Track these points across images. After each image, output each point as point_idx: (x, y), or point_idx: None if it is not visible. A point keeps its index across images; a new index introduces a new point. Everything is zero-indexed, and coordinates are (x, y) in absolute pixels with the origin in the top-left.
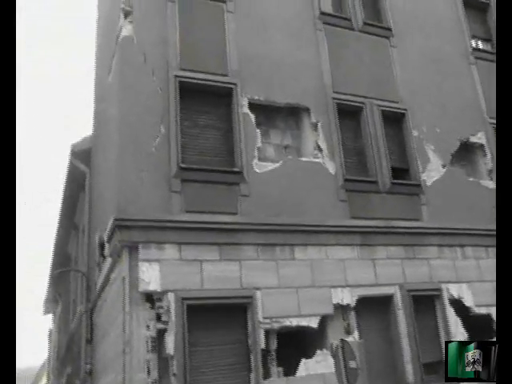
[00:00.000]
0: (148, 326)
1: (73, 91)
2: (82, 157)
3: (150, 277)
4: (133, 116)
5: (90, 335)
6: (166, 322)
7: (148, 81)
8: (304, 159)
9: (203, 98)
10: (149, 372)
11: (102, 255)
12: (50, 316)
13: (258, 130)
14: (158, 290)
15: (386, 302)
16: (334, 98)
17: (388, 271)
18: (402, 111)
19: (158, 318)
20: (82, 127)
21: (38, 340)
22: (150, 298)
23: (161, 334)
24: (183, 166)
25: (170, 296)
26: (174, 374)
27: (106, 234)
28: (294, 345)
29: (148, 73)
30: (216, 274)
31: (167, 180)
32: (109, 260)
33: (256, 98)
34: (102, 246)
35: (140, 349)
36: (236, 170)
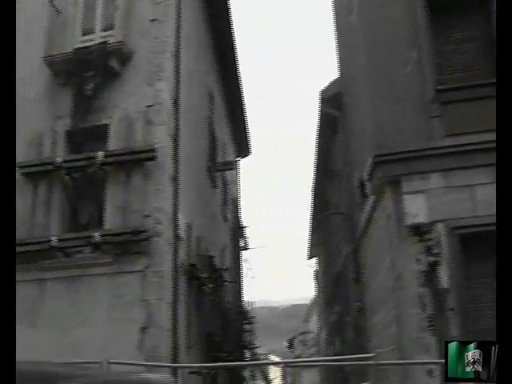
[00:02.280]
0: (418, 260)
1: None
2: (333, 101)
3: (416, 209)
4: (380, 49)
5: (357, 274)
6: (437, 255)
7: (392, 8)
8: None
9: (453, 11)
10: (422, 307)
11: (363, 195)
12: (314, 259)
13: None
14: (426, 222)
15: None
16: None
17: None
18: None
19: (428, 250)
20: (329, 72)
21: (306, 281)
22: (418, 231)
23: (432, 267)
24: (440, 87)
25: (440, 227)
26: (452, 309)
27: (365, 172)
28: None
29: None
30: (490, 198)
31: (424, 106)
32: (370, 198)
33: None
34: (362, 186)
35: (411, 284)
36: None
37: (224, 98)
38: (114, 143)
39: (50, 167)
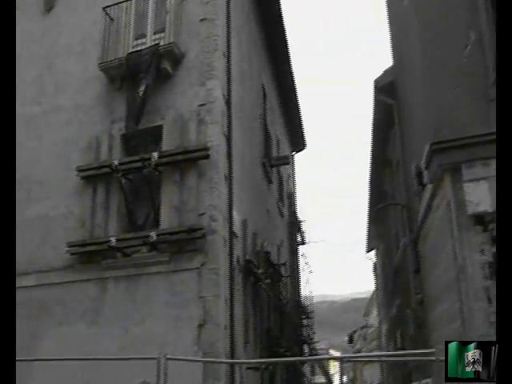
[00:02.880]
0: (482, 251)
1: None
2: (387, 90)
3: (479, 197)
4: (435, 33)
5: (417, 265)
6: None
7: None
8: None
9: None
10: (489, 300)
11: (421, 184)
12: (373, 252)
13: None
14: (489, 211)
15: None
16: None
17: None
18: None
19: (493, 240)
20: (383, 60)
21: (365, 274)
22: (481, 220)
23: None
24: None
25: None
26: None
27: (423, 161)
28: None
29: None
30: None
31: (483, 90)
32: (429, 187)
33: None
34: (419, 175)
35: (475, 276)
36: None
37: (277, 93)
38: (167, 143)
39: (107, 170)
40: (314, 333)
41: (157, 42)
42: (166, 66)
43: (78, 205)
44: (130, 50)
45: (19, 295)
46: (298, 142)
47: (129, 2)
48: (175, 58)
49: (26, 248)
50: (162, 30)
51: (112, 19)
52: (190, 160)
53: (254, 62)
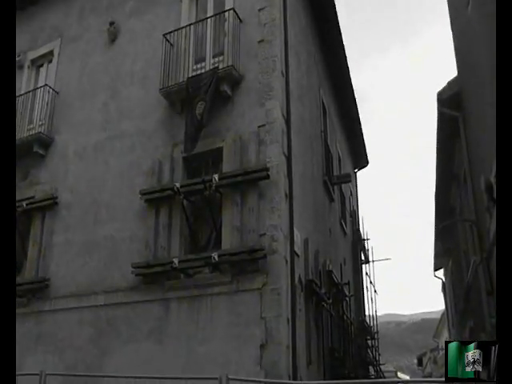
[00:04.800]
0: None
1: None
2: (452, 102)
3: None
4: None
5: (491, 286)
6: None
7: None
8: None
9: None
10: None
11: (492, 199)
12: (442, 270)
13: None
14: None
15: None
16: None
17: None
18: None
19: None
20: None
21: (434, 294)
22: None
23: None
24: None
25: None
26: None
27: (492, 174)
28: None
29: None
30: None
31: None
32: None
33: None
34: (489, 190)
35: None
36: None
37: (337, 109)
38: (228, 165)
39: (169, 193)
40: (380, 354)
41: (216, 65)
42: (226, 88)
43: (142, 227)
44: (190, 75)
45: (89, 314)
46: (359, 158)
47: (188, 28)
48: (234, 80)
49: (95, 269)
50: (221, 53)
51: (172, 45)
52: (251, 181)
53: (313, 78)
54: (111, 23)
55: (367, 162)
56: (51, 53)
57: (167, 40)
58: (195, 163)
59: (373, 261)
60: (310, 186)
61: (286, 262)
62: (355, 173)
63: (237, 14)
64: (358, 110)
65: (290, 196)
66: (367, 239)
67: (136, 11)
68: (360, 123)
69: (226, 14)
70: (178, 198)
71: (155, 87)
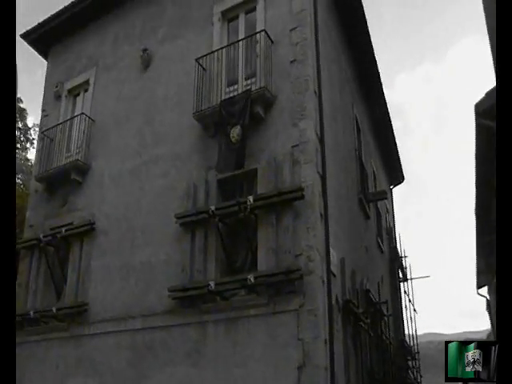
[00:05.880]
0: None
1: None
2: (490, 113)
3: None
4: None
5: None
6: None
7: None
8: None
9: None
10: None
11: None
12: (485, 288)
13: None
14: None
15: None
16: None
17: None
18: None
19: None
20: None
21: (478, 313)
22: None
23: None
24: None
25: None
26: None
27: None
28: None
29: None
30: None
31: None
32: None
33: None
34: None
35: None
36: None
37: (371, 126)
38: (262, 186)
39: (204, 216)
40: (422, 376)
41: (248, 87)
42: (259, 110)
43: (177, 250)
44: (223, 98)
45: (127, 337)
46: (395, 174)
47: (220, 51)
48: (267, 101)
49: (132, 293)
50: (253, 75)
51: (204, 69)
52: (286, 201)
53: (345, 95)
54: (144, 50)
55: (403, 178)
56: (87, 82)
57: (199, 64)
58: (229, 186)
59: (411, 279)
60: (345, 204)
61: (323, 282)
62: (391, 189)
63: (268, 35)
64: (392, 124)
65: (325, 215)
66: (405, 257)
67: (168, 37)
68: (394, 138)
69: (258, 35)
70: (213, 220)
71: (189, 111)
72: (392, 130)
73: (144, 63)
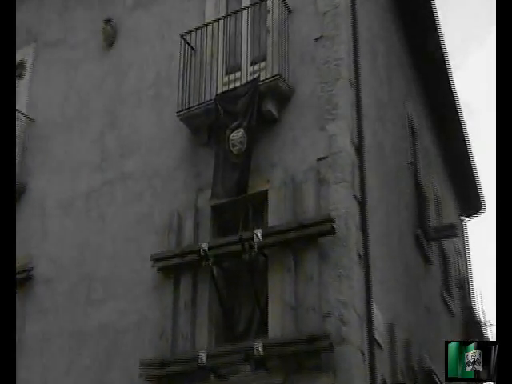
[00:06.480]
0: None
1: None
2: None
3: None
4: None
5: None
6: None
7: None
8: None
9: None
10: None
11: None
12: None
13: None
14: None
15: None
16: None
17: None
18: None
19: None
20: None
21: None
22: None
23: None
24: None
25: None
26: None
27: None
28: None
29: None
30: None
31: None
32: None
33: None
34: None
35: None
36: None
37: (433, 132)
38: (275, 216)
39: (193, 257)
40: None
41: (256, 75)
42: (270, 107)
43: (154, 307)
44: (220, 90)
45: None
46: (470, 201)
47: (215, 24)
48: (282, 95)
49: (86, 371)
50: (263, 58)
51: (193, 49)
52: (308, 237)
53: (397, 88)
54: (107, 20)
55: (483, 207)
56: (22, 65)
57: (186, 42)
58: (229, 215)
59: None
60: (395, 242)
61: (363, 355)
62: (464, 223)
63: (284, 0)
64: (466, 127)
65: (365, 258)
66: (487, 322)
67: (142, 2)
68: (469, 150)
69: (269, 2)
70: (205, 264)
71: (171, 109)
72: (464, 137)
73: (107, 40)
